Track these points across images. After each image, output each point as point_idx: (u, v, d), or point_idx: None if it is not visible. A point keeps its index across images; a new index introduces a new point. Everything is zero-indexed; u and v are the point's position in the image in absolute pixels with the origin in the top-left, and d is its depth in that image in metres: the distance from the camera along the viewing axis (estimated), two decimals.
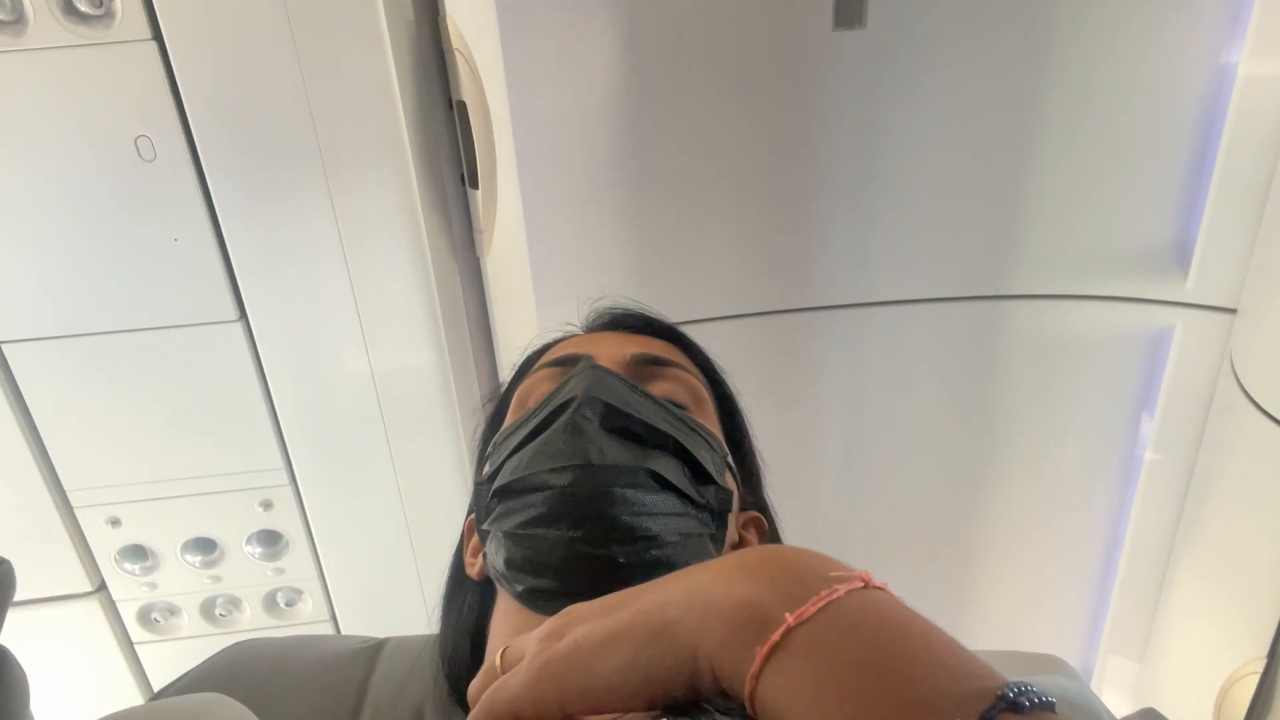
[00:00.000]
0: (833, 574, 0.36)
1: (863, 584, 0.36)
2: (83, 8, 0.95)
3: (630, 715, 0.38)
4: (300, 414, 1.18)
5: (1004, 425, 1.49)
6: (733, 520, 0.62)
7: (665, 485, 0.56)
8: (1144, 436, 1.42)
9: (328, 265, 1.09)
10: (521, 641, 0.42)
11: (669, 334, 0.72)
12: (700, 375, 0.69)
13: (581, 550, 0.52)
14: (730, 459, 0.65)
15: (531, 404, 0.63)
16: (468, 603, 0.66)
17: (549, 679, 0.39)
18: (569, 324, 0.74)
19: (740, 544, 0.64)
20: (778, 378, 1.46)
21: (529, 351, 0.73)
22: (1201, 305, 1.28)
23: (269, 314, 1.11)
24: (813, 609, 0.34)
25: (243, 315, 1.11)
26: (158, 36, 0.97)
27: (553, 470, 0.54)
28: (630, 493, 0.54)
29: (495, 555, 0.58)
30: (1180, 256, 1.29)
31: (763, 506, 0.71)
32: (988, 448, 1.51)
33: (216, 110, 1.00)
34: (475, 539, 0.65)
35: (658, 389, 0.63)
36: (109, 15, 0.95)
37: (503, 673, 0.42)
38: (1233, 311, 1.26)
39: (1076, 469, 1.50)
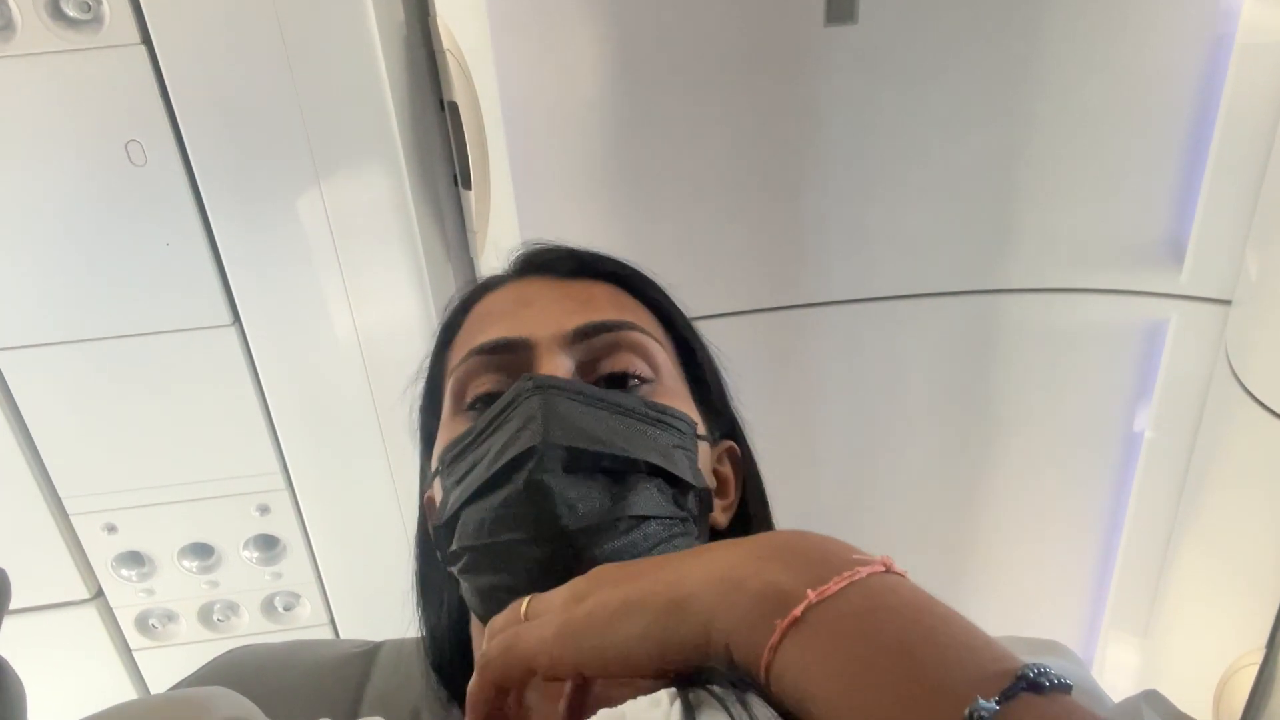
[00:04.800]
0: (854, 557, 0.37)
1: (884, 568, 0.36)
2: (71, 12, 0.95)
3: (641, 683, 0.39)
4: (296, 418, 1.18)
5: (1001, 418, 1.49)
6: (707, 458, 0.59)
7: (646, 519, 0.52)
8: (1140, 428, 1.42)
9: (321, 268, 1.08)
10: (549, 598, 0.43)
11: (606, 271, 0.64)
12: (649, 315, 0.63)
13: None
14: (699, 420, 0.60)
15: (471, 397, 0.58)
16: (447, 595, 0.64)
17: (566, 639, 0.39)
18: (493, 270, 0.67)
19: (717, 479, 0.62)
20: (775, 374, 1.46)
21: (452, 306, 0.66)
22: (1196, 297, 1.29)
23: (263, 318, 1.11)
24: (834, 588, 0.35)
25: (236, 319, 1.11)
26: (147, 40, 0.96)
27: (522, 541, 0.50)
28: (610, 548, 0.50)
29: (470, 598, 0.55)
30: (1175, 249, 1.29)
31: (732, 425, 0.67)
32: (985, 440, 1.51)
33: (207, 114, 1.00)
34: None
35: (610, 366, 0.58)
36: (97, 20, 0.95)
37: (526, 619, 0.42)
38: (1227, 303, 1.26)
39: (1074, 460, 1.50)
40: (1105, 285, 1.35)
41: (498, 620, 0.44)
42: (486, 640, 0.43)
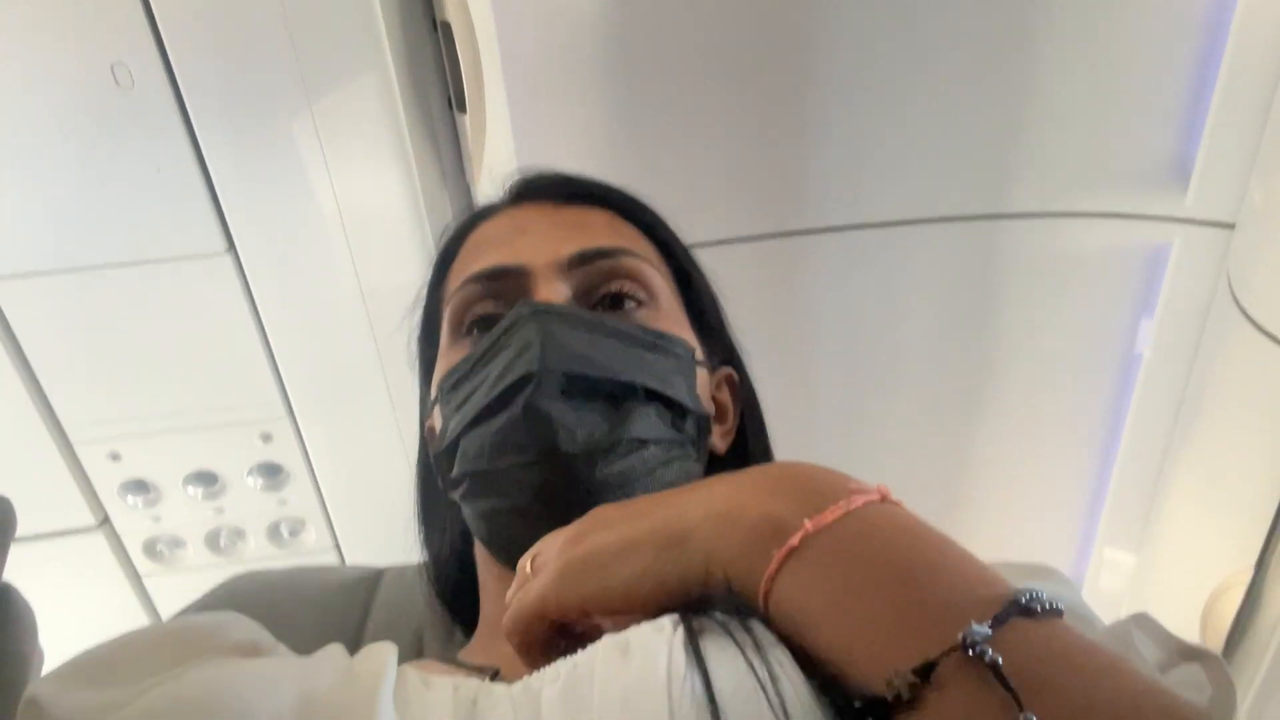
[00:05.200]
0: (850, 486, 0.37)
1: (880, 497, 0.37)
2: None
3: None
4: (295, 346, 1.18)
5: (999, 341, 1.49)
6: (705, 384, 0.59)
7: (645, 442, 0.52)
8: (1139, 349, 1.42)
9: (315, 194, 1.07)
10: (549, 543, 0.44)
11: (601, 198, 0.63)
12: (645, 241, 0.62)
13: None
14: (696, 345, 0.60)
15: (469, 324, 0.58)
16: (449, 523, 0.65)
17: (568, 581, 0.40)
18: (488, 198, 0.67)
19: (716, 405, 0.62)
20: (771, 301, 1.45)
21: (447, 235, 0.66)
22: (1200, 221, 1.27)
23: (257, 245, 1.10)
24: (830, 517, 0.35)
25: (231, 247, 1.10)
26: None
27: (522, 465, 0.50)
28: (609, 471, 0.50)
29: (473, 523, 0.56)
30: (1180, 171, 1.27)
31: (731, 352, 0.67)
32: (984, 362, 1.51)
33: (194, 34, 0.97)
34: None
35: (608, 290, 0.57)
36: None
37: (532, 575, 0.43)
38: (1232, 226, 1.25)
39: (1072, 381, 1.51)
40: (1108, 209, 1.34)
41: (510, 590, 0.45)
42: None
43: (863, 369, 1.53)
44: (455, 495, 0.56)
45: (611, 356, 0.53)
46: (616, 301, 0.57)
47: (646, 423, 0.53)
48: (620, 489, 0.51)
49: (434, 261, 0.66)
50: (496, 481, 0.52)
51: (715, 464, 0.61)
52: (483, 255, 0.59)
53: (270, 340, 1.17)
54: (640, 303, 0.58)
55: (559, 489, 0.50)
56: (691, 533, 0.38)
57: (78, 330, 1.14)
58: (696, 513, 0.39)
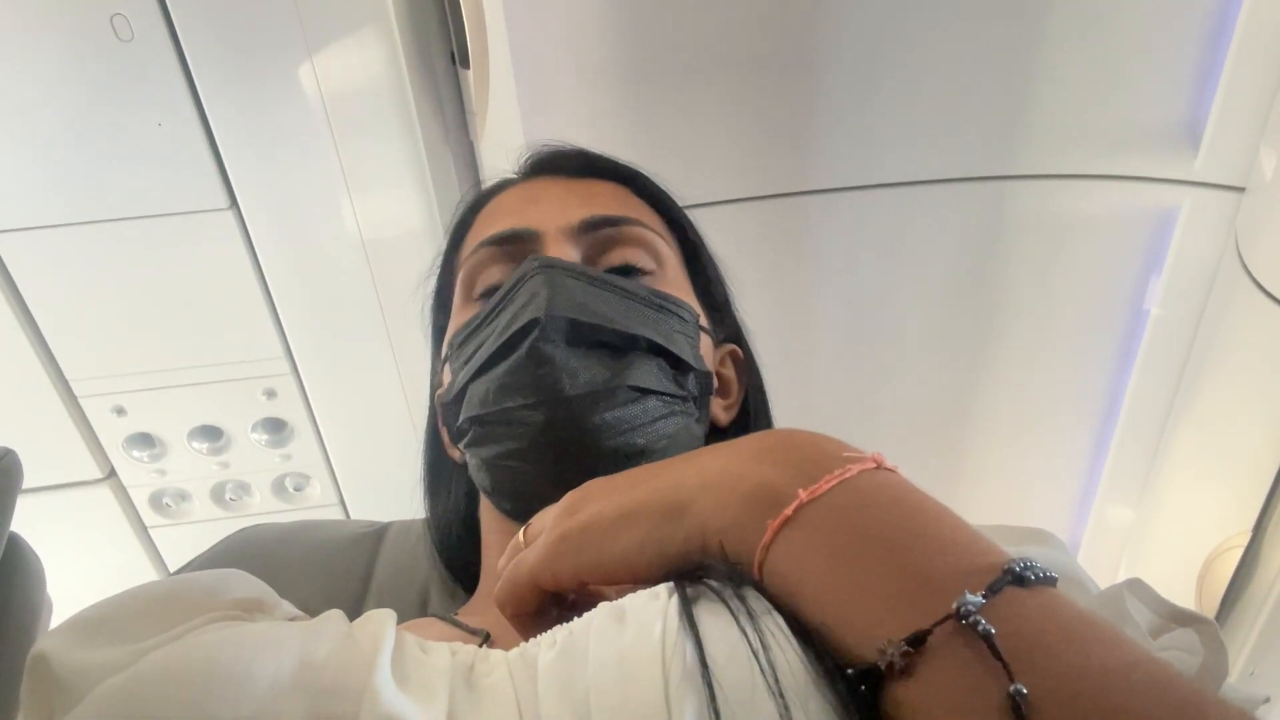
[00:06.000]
0: (846, 454, 0.37)
1: (875, 465, 0.37)
2: None
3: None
4: (297, 302, 1.18)
5: (1006, 302, 1.49)
6: (709, 357, 0.60)
7: (646, 392, 0.53)
8: (1145, 313, 1.42)
9: (317, 150, 1.06)
10: (542, 517, 0.44)
11: (613, 173, 0.65)
12: (655, 215, 0.64)
13: (569, 479, 0.47)
14: (702, 314, 0.61)
15: (480, 287, 0.59)
16: (454, 486, 0.66)
17: (565, 552, 0.41)
18: (504, 171, 0.68)
19: (720, 380, 0.63)
20: (777, 263, 1.44)
21: (462, 207, 0.67)
22: (1209, 184, 1.26)
23: (259, 201, 1.10)
24: (825, 486, 0.35)
25: (233, 203, 1.10)
26: None
27: (525, 406, 0.51)
28: (610, 415, 0.51)
29: (477, 474, 0.57)
30: (1191, 134, 1.26)
31: (736, 331, 0.68)
32: (989, 323, 1.51)
33: None
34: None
35: (616, 258, 0.59)
36: None
37: (526, 546, 0.44)
38: (1241, 191, 1.24)
39: (1077, 341, 1.50)
40: (1117, 171, 1.32)
41: (503, 559, 0.45)
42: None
43: (869, 328, 1.53)
44: (460, 446, 0.57)
45: (616, 309, 0.54)
46: (625, 270, 0.59)
47: (648, 374, 0.54)
48: (620, 436, 0.52)
49: (449, 231, 0.67)
50: (500, 425, 0.53)
51: (716, 434, 0.62)
52: (496, 223, 0.61)
53: (273, 296, 1.17)
54: (648, 271, 0.59)
55: (560, 431, 0.51)
56: (689, 502, 0.39)
57: (81, 285, 1.14)
58: (693, 482, 0.39)
